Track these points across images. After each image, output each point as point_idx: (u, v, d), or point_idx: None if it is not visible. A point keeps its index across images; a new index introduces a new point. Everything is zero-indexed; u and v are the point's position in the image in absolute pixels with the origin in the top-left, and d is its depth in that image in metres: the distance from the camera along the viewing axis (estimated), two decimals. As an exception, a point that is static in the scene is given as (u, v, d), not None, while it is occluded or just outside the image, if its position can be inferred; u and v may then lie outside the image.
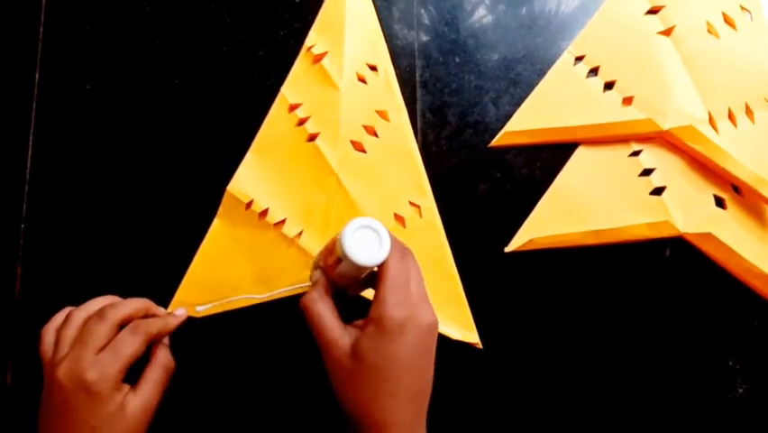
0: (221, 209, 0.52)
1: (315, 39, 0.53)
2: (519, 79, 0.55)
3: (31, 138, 0.53)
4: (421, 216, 0.52)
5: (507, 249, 0.52)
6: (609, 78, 0.52)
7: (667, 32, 0.52)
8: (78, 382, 0.40)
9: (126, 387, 0.42)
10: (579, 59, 0.53)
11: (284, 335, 0.51)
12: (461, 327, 0.51)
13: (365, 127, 0.52)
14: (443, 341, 0.50)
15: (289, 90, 0.53)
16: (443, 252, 0.51)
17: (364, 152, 0.52)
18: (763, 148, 0.50)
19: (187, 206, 0.52)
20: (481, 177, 0.53)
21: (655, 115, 0.50)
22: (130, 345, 0.42)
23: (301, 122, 0.52)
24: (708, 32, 0.51)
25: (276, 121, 0.52)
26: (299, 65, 0.53)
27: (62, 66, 0.54)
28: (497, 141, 0.53)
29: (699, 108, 0.50)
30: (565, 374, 0.51)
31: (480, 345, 0.51)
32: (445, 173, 0.53)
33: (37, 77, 0.54)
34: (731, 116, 0.51)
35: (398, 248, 0.40)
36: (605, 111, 0.51)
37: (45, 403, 0.42)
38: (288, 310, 0.50)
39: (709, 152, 0.50)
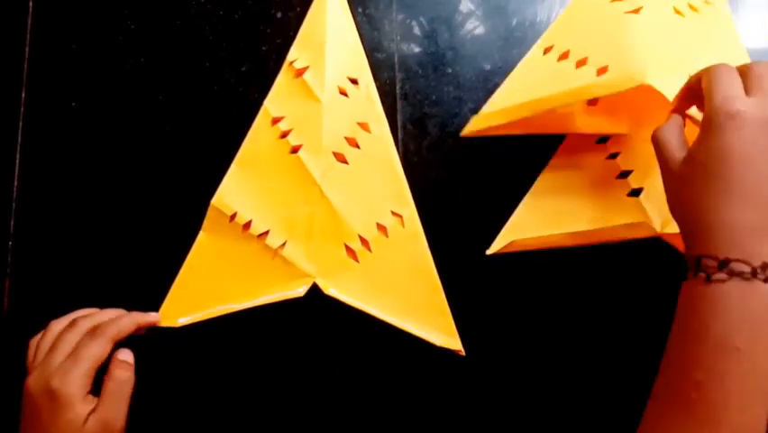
0: (205, 222, 0.52)
1: (296, 54, 0.54)
2: (497, 89, 0.56)
3: (18, 155, 0.54)
4: (403, 225, 0.52)
5: (489, 251, 0.52)
6: (581, 57, 0.50)
7: (635, 12, 0.50)
8: (44, 389, 0.42)
9: (94, 400, 0.43)
10: (547, 50, 0.53)
11: (272, 341, 0.52)
12: (444, 335, 0.51)
13: (347, 139, 0.53)
14: (425, 349, 0.50)
15: (272, 104, 0.54)
16: (425, 260, 0.52)
17: (346, 163, 0.52)
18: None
19: (173, 219, 0.53)
20: (462, 186, 0.54)
21: (636, 75, 0.45)
22: (90, 348, 0.43)
23: (284, 134, 0.53)
24: (676, 12, 0.51)
25: (259, 134, 0.53)
26: (281, 79, 0.54)
27: (48, 83, 0.55)
28: (469, 128, 0.51)
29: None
30: (548, 378, 0.52)
31: (463, 352, 0.51)
32: (426, 183, 0.54)
33: (23, 94, 0.55)
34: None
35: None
36: (581, 81, 0.48)
37: (23, 411, 0.43)
38: (276, 317, 0.50)
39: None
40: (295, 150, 0.52)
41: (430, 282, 0.52)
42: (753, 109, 0.35)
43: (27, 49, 0.56)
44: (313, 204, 0.51)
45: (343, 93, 0.53)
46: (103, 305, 0.51)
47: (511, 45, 0.57)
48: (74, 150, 0.54)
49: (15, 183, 0.54)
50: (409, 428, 0.44)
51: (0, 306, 0.52)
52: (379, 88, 0.55)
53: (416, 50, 0.57)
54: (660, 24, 0.50)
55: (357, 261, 0.51)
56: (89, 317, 0.46)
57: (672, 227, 0.51)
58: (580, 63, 0.50)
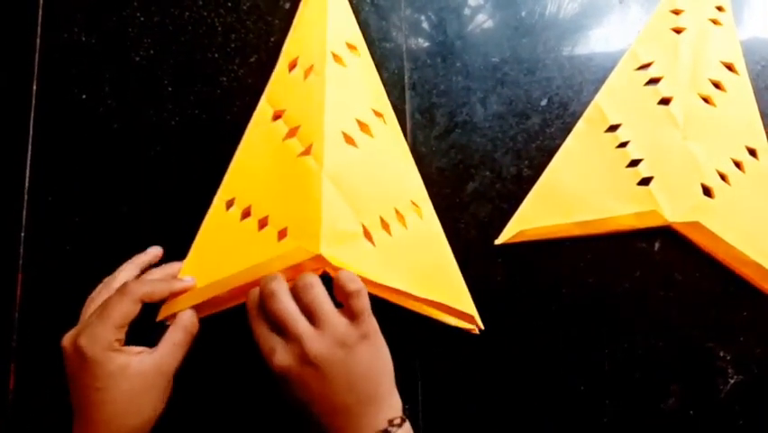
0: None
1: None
2: (506, 79, 0.56)
3: (29, 146, 0.54)
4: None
5: (498, 241, 0.52)
6: (263, 215, 0.49)
7: (306, 152, 0.48)
8: (73, 348, 0.43)
9: (134, 349, 0.43)
10: (230, 203, 0.50)
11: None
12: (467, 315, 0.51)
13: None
14: (439, 331, 0.51)
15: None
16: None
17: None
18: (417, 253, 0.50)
19: (182, 207, 0.53)
20: (470, 176, 0.54)
21: (308, 240, 0.46)
22: (116, 306, 0.43)
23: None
24: (347, 142, 0.49)
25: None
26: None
27: (58, 76, 0.55)
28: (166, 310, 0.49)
29: (352, 222, 0.48)
30: (555, 366, 0.52)
31: (476, 331, 0.51)
32: (435, 173, 0.54)
33: (35, 87, 0.55)
34: (384, 225, 0.49)
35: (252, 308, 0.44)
36: (260, 253, 0.47)
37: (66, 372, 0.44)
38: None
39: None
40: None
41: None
42: (284, 360, 0.41)
43: (38, 41, 0.56)
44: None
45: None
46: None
47: (520, 35, 0.56)
48: (84, 141, 0.54)
49: (27, 175, 0.54)
50: (426, 405, 0.44)
51: (13, 297, 0.53)
52: (387, 79, 0.55)
53: (425, 40, 0.57)
54: (333, 166, 0.48)
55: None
56: (134, 282, 0.46)
57: (683, 216, 0.51)
58: (263, 224, 0.49)
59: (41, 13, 0.56)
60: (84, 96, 0.55)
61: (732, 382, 0.51)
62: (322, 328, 0.41)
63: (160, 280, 0.47)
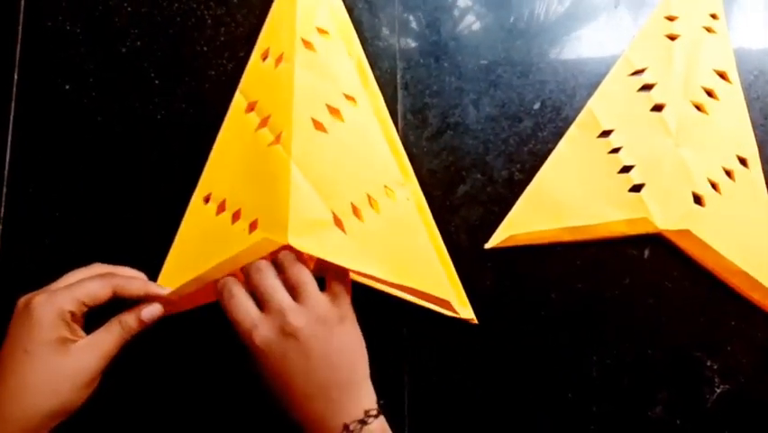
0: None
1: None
2: (499, 81, 0.55)
3: (9, 136, 0.53)
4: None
5: (488, 245, 0.52)
6: (235, 208, 0.48)
7: (276, 141, 0.47)
8: (26, 305, 0.42)
9: (79, 330, 0.43)
10: (207, 198, 0.50)
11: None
12: (458, 304, 0.51)
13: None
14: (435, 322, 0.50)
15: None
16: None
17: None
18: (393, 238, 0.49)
19: (164, 202, 0.52)
20: (462, 178, 0.54)
21: (276, 231, 0.45)
22: (88, 283, 0.43)
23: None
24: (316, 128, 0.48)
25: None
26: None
27: (41, 65, 0.54)
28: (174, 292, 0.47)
29: (321, 211, 0.46)
30: (542, 372, 0.51)
31: (475, 320, 0.51)
32: (426, 174, 0.54)
33: (16, 76, 0.54)
34: (356, 211, 0.48)
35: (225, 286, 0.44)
36: (232, 246, 0.46)
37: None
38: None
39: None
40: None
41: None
42: (265, 335, 0.41)
43: (20, 28, 0.54)
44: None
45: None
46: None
47: (514, 37, 0.56)
48: (66, 132, 0.53)
49: (7, 166, 0.52)
50: (425, 395, 0.44)
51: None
52: (379, 78, 0.54)
53: (418, 40, 0.56)
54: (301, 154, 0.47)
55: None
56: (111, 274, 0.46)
57: (674, 224, 0.51)
58: (236, 217, 0.48)
59: (23, 1, 0.55)
60: (67, 87, 0.54)
61: (719, 391, 0.51)
62: (304, 304, 0.42)
63: (139, 279, 0.46)
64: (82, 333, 0.43)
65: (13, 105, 0.53)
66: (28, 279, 0.51)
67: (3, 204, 0.52)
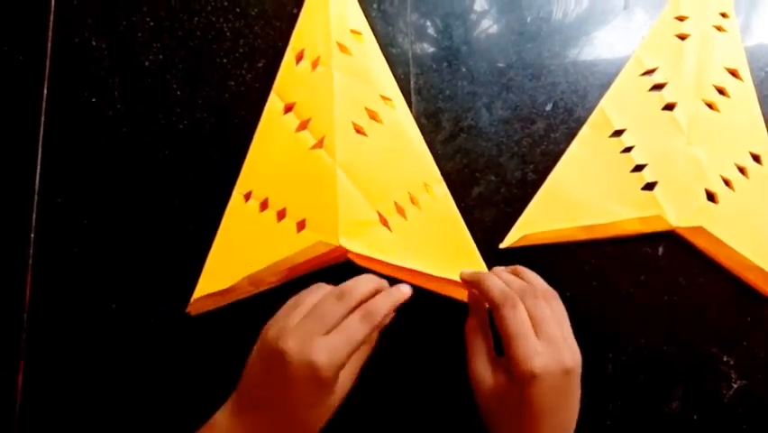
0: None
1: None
2: (511, 84, 0.56)
3: (39, 150, 0.55)
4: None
5: (502, 245, 0.53)
6: (280, 207, 0.50)
7: (319, 144, 0.50)
8: (307, 361, 0.39)
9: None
10: (248, 195, 0.52)
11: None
12: None
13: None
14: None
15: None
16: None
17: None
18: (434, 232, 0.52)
19: (188, 213, 0.54)
20: (476, 180, 0.55)
21: (327, 233, 0.48)
22: (359, 332, 0.41)
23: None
24: (357, 131, 0.51)
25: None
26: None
27: (69, 80, 0.56)
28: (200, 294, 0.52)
29: (367, 211, 0.50)
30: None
31: None
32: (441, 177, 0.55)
33: (45, 91, 0.56)
34: (399, 210, 0.51)
35: (509, 299, 0.42)
36: (282, 245, 0.49)
37: (261, 363, 0.42)
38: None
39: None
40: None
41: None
42: (548, 363, 0.40)
43: (49, 44, 0.56)
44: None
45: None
46: (122, 295, 0.52)
47: (525, 40, 0.57)
48: (93, 144, 0.55)
49: (37, 177, 0.54)
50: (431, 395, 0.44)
51: (23, 296, 0.53)
52: (393, 83, 0.56)
53: (431, 45, 0.57)
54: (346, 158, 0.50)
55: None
56: (355, 289, 0.43)
57: (687, 221, 0.51)
58: (281, 216, 0.50)
59: (52, 17, 0.57)
60: (93, 100, 0.56)
61: (735, 386, 0.51)
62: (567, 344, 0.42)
63: (384, 299, 0.44)
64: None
65: (42, 118, 0.55)
66: (59, 287, 0.53)
67: (34, 213, 0.54)
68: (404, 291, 0.45)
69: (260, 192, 0.51)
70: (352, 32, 0.54)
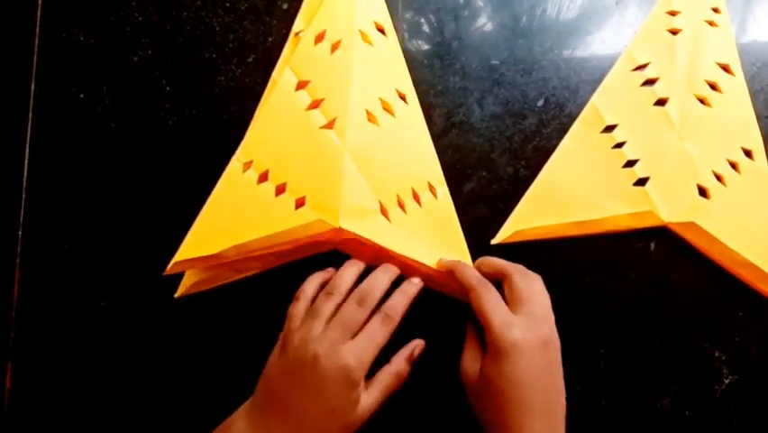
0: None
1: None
2: (503, 80, 0.56)
3: (27, 146, 0.55)
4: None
5: (494, 241, 0.53)
6: (280, 181, 0.50)
7: (330, 125, 0.50)
8: (338, 365, 0.41)
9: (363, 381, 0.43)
10: (247, 165, 0.51)
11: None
12: None
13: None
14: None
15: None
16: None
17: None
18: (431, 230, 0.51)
19: (170, 213, 0.53)
20: (467, 176, 0.54)
21: (327, 213, 0.48)
22: (382, 334, 0.43)
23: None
24: (369, 120, 0.51)
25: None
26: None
27: (57, 75, 0.56)
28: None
29: (369, 199, 0.49)
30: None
31: None
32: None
33: (33, 86, 0.55)
34: (400, 203, 0.51)
35: (482, 282, 0.44)
36: (278, 219, 0.48)
37: (288, 369, 0.43)
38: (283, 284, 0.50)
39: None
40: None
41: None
42: (526, 333, 0.41)
43: (36, 40, 0.56)
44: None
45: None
46: (112, 291, 0.52)
47: (517, 36, 0.57)
48: (82, 140, 0.55)
49: (25, 173, 0.54)
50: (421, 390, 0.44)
51: (10, 295, 0.53)
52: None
53: (422, 41, 0.57)
54: (354, 143, 0.50)
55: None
56: (373, 291, 0.45)
57: (679, 216, 0.51)
58: (280, 190, 0.49)
59: (39, 12, 0.56)
60: (82, 96, 0.55)
61: (727, 382, 0.51)
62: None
63: (402, 294, 0.46)
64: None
65: (30, 114, 0.55)
66: (47, 285, 0.53)
67: (22, 210, 0.54)
68: (416, 284, 0.46)
69: (261, 164, 0.51)
70: (376, 24, 0.54)
